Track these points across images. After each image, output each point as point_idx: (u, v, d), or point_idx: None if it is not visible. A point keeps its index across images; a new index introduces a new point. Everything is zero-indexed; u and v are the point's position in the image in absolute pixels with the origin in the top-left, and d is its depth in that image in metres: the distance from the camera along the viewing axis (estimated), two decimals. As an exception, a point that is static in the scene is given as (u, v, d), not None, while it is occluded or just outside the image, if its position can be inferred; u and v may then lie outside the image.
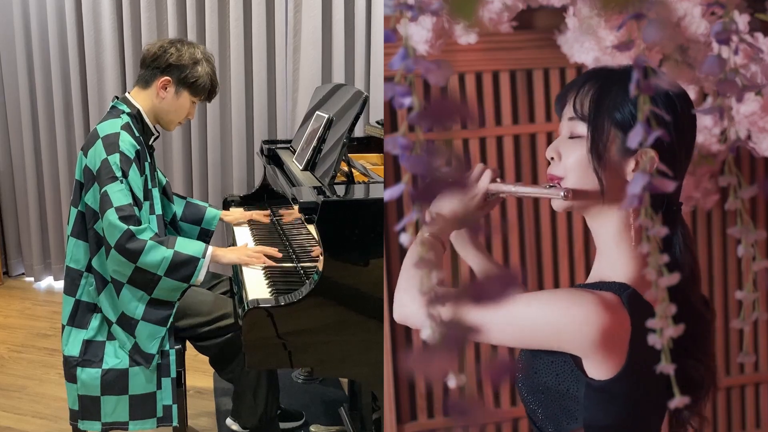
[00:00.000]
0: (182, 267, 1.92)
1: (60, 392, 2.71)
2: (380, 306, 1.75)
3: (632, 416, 1.12)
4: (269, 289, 1.90)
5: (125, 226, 1.88)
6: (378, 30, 3.35)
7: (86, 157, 1.99)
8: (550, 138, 1.82)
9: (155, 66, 2.07)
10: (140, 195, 1.98)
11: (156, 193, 2.15)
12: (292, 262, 2.13)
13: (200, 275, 1.95)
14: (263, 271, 2.03)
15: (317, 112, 2.41)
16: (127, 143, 1.97)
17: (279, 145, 2.79)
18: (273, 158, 2.65)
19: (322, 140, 2.18)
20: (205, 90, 2.12)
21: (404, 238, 0.90)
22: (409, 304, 1.17)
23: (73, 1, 3.73)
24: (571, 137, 1.16)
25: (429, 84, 1.67)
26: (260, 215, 2.50)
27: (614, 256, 1.16)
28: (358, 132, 3.07)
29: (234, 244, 2.40)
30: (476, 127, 1.82)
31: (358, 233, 1.73)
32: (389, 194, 0.88)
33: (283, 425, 2.45)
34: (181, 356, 2.08)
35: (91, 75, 3.76)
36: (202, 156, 3.73)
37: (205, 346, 2.14)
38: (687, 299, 1.14)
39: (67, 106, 3.90)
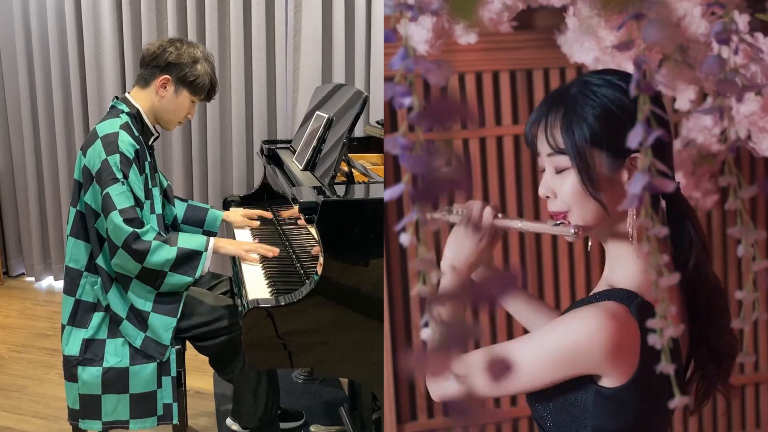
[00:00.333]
0: (187, 262, 1.96)
1: (60, 392, 2.71)
2: (380, 306, 1.75)
3: (641, 421, 1.12)
4: (269, 289, 1.90)
5: (130, 229, 1.90)
6: (378, 30, 3.35)
7: (85, 156, 1.99)
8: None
9: (155, 65, 2.08)
10: (141, 195, 1.99)
11: (156, 192, 2.15)
12: (292, 262, 2.13)
13: (205, 267, 2.00)
14: (263, 271, 2.03)
15: (317, 112, 2.41)
16: (126, 143, 1.97)
17: (279, 145, 2.79)
18: (273, 158, 2.65)
19: (322, 140, 2.18)
20: (205, 89, 2.12)
21: (404, 238, 0.90)
22: (448, 385, 1.15)
23: (72, 1, 3.73)
24: (558, 172, 1.14)
25: (429, 84, 1.67)
26: (260, 214, 2.50)
27: (623, 261, 1.16)
28: (358, 132, 3.07)
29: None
30: (476, 127, 1.82)
31: (358, 233, 1.73)
32: (389, 194, 0.88)
33: (283, 425, 2.45)
34: (181, 356, 2.08)
35: (91, 75, 3.76)
36: (202, 156, 3.73)
37: (205, 346, 2.14)
38: (706, 274, 1.16)
39: (67, 106, 3.90)
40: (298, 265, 2.08)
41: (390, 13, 0.93)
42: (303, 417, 2.54)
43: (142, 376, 2.00)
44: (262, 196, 2.82)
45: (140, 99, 2.10)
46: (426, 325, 0.90)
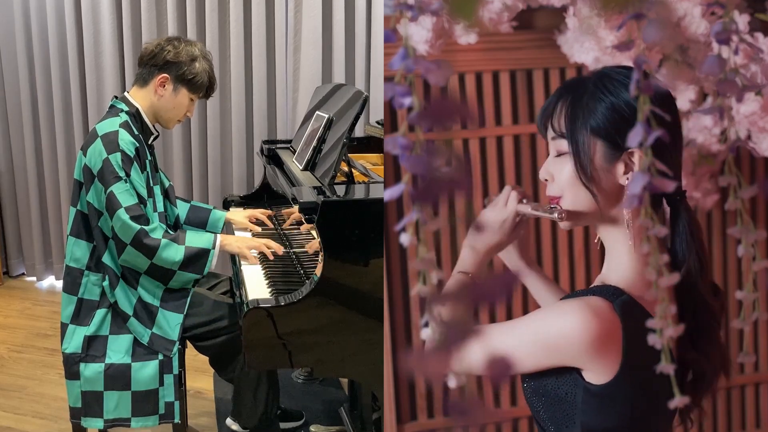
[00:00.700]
0: (195, 260, 1.99)
1: (60, 392, 2.71)
2: (380, 306, 1.75)
3: (630, 419, 1.12)
4: (269, 289, 1.90)
5: (138, 226, 1.92)
6: (378, 30, 3.35)
7: (86, 156, 1.99)
8: (550, 138, 1.82)
9: (152, 64, 2.08)
10: (144, 193, 2.00)
11: (157, 190, 2.15)
12: (292, 262, 2.13)
13: (212, 265, 2.03)
14: (263, 271, 2.03)
15: (317, 112, 2.41)
16: (127, 141, 1.97)
17: (279, 145, 2.79)
18: (273, 158, 2.65)
19: (322, 140, 2.18)
20: (203, 86, 2.12)
21: (404, 238, 0.90)
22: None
23: (72, 1, 3.73)
24: (558, 155, 1.16)
25: (429, 84, 1.67)
26: (263, 215, 2.49)
27: (616, 258, 1.16)
28: (358, 132, 3.07)
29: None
30: (476, 127, 1.82)
31: (358, 233, 1.73)
32: (389, 194, 0.88)
33: (283, 425, 2.45)
34: (181, 356, 2.08)
35: (90, 75, 3.76)
36: (202, 156, 3.73)
37: (205, 346, 2.14)
38: (695, 287, 1.15)
39: (67, 105, 3.90)
40: (298, 265, 2.08)
41: (390, 13, 0.93)
42: (303, 417, 2.54)
43: (144, 373, 2.01)
44: (262, 196, 2.82)
45: (139, 98, 2.10)
46: (426, 325, 0.90)
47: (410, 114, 0.86)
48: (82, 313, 2.05)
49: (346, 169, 2.07)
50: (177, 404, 2.06)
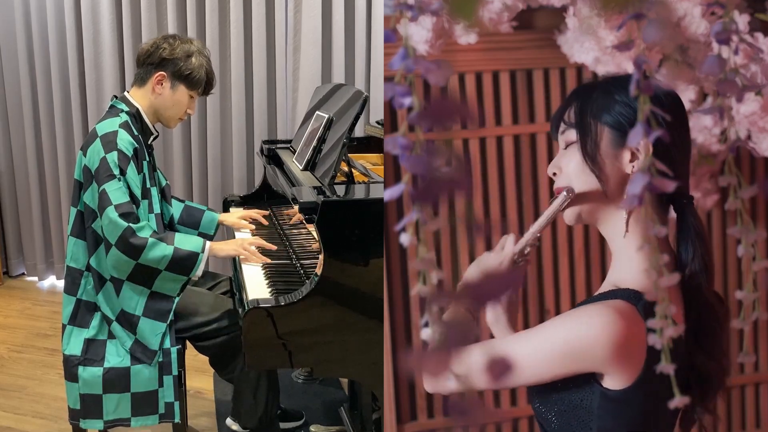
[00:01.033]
0: (182, 262, 1.95)
1: (60, 392, 2.71)
2: (380, 306, 1.75)
3: (644, 423, 1.12)
4: (269, 289, 1.90)
5: (126, 224, 1.89)
6: (378, 30, 3.35)
7: (85, 156, 1.99)
8: (550, 138, 1.82)
9: (149, 62, 2.08)
10: (138, 193, 1.99)
11: (155, 192, 2.15)
12: (292, 262, 2.13)
13: (199, 270, 1.97)
14: (263, 271, 2.03)
15: (317, 112, 2.41)
16: (125, 141, 1.97)
17: (279, 145, 2.79)
18: (273, 158, 2.65)
19: (322, 140, 2.18)
20: (201, 82, 2.11)
21: (404, 238, 0.90)
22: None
23: (72, 1, 3.73)
24: (566, 147, 1.18)
25: (429, 84, 1.67)
26: (258, 215, 2.49)
27: (627, 261, 1.15)
28: (358, 132, 3.07)
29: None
30: (476, 127, 1.82)
31: (358, 233, 1.73)
32: (389, 194, 0.88)
33: (283, 425, 2.45)
34: (181, 356, 2.08)
35: (90, 75, 3.76)
36: (202, 156, 3.73)
37: (205, 346, 2.14)
38: (700, 291, 1.15)
39: (67, 105, 3.90)
40: (298, 265, 2.08)
41: (390, 13, 0.93)
42: (303, 417, 2.54)
43: (144, 375, 2.00)
44: (262, 196, 2.82)
45: (138, 98, 2.10)
46: (426, 325, 0.90)
47: (410, 114, 0.86)
48: (80, 314, 2.04)
49: (346, 169, 2.07)
50: (177, 404, 2.06)
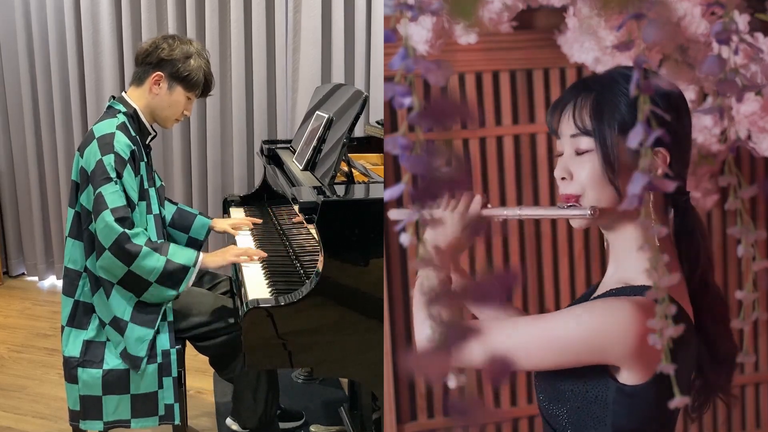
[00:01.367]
0: (173, 275, 1.94)
1: (60, 392, 2.71)
2: (380, 306, 1.75)
3: (658, 418, 1.12)
4: (269, 289, 1.90)
5: (121, 229, 1.88)
6: (378, 30, 3.35)
7: (82, 157, 1.98)
8: (550, 138, 1.82)
9: (147, 62, 2.07)
10: (134, 197, 1.98)
11: (153, 192, 2.14)
12: (292, 262, 2.13)
13: (189, 283, 1.97)
14: (263, 271, 2.03)
15: (317, 112, 2.41)
16: (122, 143, 1.96)
17: (279, 145, 2.79)
18: (273, 158, 2.65)
19: (322, 140, 2.18)
20: (199, 84, 2.10)
21: (404, 238, 0.90)
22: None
23: (72, 1, 3.73)
24: (578, 153, 1.14)
25: (429, 84, 1.67)
26: (248, 222, 2.48)
27: (635, 261, 1.14)
28: (358, 132, 3.07)
29: (234, 245, 2.38)
30: (476, 127, 1.82)
31: (358, 233, 1.73)
32: (389, 194, 0.88)
33: (283, 425, 2.45)
34: (181, 356, 2.07)
35: (90, 75, 3.76)
36: (201, 156, 3.73)
37: (205, 346, 2.13)
38: (708, 283, 1.18)
39: (66, 106, 3.90)
40: (298, 265, 2.08)
41: (390, 13, 0.93)
42: (303, 417, 2.54)
43: (143, 377, 2.00)
44: (262, 196, 2.82)
45: (136, 98, 2.09)
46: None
47: (410, 114, 0.86)
48: (78, 316, 2.04)
49: (346, 169, 2.07)
50: (177, 406, 2.05)
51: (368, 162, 2.55)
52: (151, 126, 2.14)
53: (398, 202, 0.99)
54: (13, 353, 3.23)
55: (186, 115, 2.16)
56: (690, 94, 1.50)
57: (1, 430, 2.56)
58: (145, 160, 2.11)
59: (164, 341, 2.01)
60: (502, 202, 1.84)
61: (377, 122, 2.73)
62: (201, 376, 2.86)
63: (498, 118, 1.83)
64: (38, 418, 2.65)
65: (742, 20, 1.33)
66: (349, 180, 2.05)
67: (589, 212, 1.13)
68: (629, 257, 1.16)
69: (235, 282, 2.08)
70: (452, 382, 1.08)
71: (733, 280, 1.91)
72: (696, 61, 1.46)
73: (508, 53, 1.79)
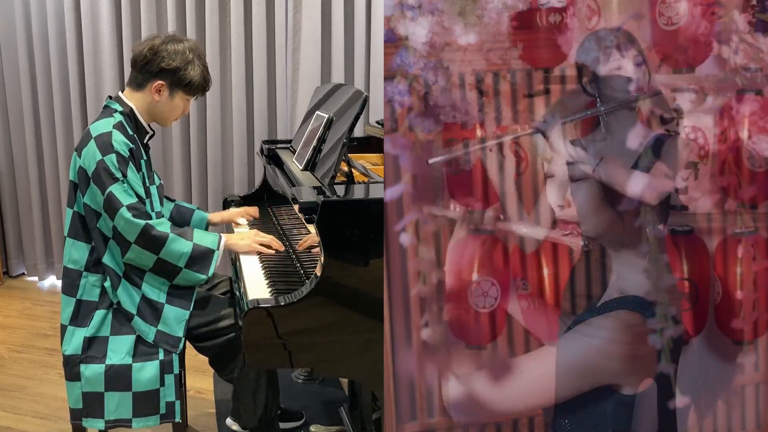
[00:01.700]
0: (201, 259, 1.99)
1: (60, 392, 2.71)
2: (380, 306, 1.74)
3: (659, 421, 1.12)
4: (269, 289, 1.90)
5: (143, 222, 1.93)
6: (378, 30, 3.35)
7: (80, 158, 1.98)
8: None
9: (147, 70, 2.07)
10: (141, 192, 2.00)
11: (154, 190, 2.15)
12: (292, 262, 2.13)
13: (216, 266, 2.02)
14: (263, 271, 2.03)
15: (317, 112, 2.41)
16: (120, 142, 1.97)
17: (279, 145, 2.79)
18: (273, 158, 2.65)
19: (322, 140, 2.18)
20: (200, 87, 2.13)
21: (404, 238, 0.90)
22: None
23: (72, 1, 3.73)
24: (574, 180, 1.14)
25: (429, 84, 1.67)
26: (246, 213, 2.50)
27: (630, 267, 1.15)
28: (358, 132, 3.07)
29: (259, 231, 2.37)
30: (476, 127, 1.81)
31: (358, 233, 1.73)
32: (389, 194, 0.88)
33: (283, 425, 2.45)
34: (181, 356, 2.08)
35: (90, 75, 3.76)
36: (201, 156, 3.73)
37: (205, 347, 2.14)
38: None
39: (66, 106, 3.91)
40: (298, 265, 2.08)
41: (390, 13, 0.93)
42: (303, 417, 2.54)
43: (145, 374, 2.00)
44: (262, 196, 2.82)
45: (134, 100, 2.09)
46: (426, 325, 0.90)
47: (410, 114, 0.86)
48: (81, 315, 2.04)
49: (346, 169, 2.07)
50: (178, 404, 2.06)
51: (368, 162, 2.55)
52: (149, 125, 2.15)
53: (398, 202, 0.99)
54: (13, 353, 3.23)
55: (184, 113, 2.19)
56: (690, 94, 1.50)
57: (1, 430, 2.56)
58: (145, 158, 2.11)
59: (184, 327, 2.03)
60: (502, 203, 1.84)
61: (377, 122, 2.73)
62: (201, 376, 2.86)
63: (498, 118, 1.83)
64: (38, 418, 2.65)
65: (742, 20, 1.33)
66: (349, 180, 2.05)
67: (582, 244, 1.14)
68: (625, 265, 1.16)
69: (235, 282, 2.09)
70: (452, 383, 1.09)
71: (733, 280, 1.91)
72: (696, 61, 1.46)
73: (508, 53, 1.79)
